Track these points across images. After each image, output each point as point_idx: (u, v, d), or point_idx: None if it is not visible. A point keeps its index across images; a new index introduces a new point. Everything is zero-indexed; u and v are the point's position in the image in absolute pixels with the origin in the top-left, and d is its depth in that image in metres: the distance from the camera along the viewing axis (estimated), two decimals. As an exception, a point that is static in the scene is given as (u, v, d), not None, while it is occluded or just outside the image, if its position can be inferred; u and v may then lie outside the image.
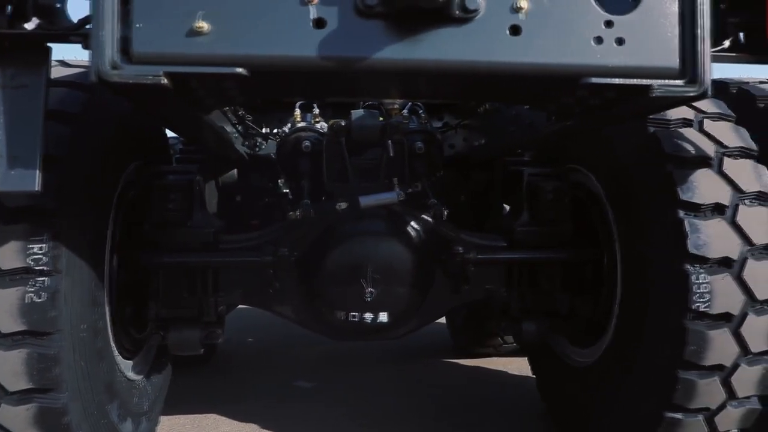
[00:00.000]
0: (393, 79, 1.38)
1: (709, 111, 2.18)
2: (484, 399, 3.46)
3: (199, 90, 1.32)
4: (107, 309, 2.01)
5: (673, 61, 1.35)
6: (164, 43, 1.17)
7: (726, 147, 2.09)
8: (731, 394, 2.03)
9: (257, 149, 3.04)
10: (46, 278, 1.61)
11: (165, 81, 1.16)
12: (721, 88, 2.44)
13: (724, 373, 2.00)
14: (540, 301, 2.61)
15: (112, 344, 2.04)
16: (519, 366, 3.87)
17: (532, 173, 2.61)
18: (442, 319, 4.71)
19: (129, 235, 2.23)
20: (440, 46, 1.26)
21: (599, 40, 1.32)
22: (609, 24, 1.33)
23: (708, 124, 2.14)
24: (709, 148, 2.07)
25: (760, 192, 2.05)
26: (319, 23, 1.22)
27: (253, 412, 3.13)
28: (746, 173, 2.06)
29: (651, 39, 1.34)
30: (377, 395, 3.47)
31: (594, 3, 1.33)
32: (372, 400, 3.37)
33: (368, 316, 2.31)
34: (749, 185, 2.04)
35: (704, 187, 2.02)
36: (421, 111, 2.81)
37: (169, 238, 2.27)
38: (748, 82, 2.41)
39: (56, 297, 1.63)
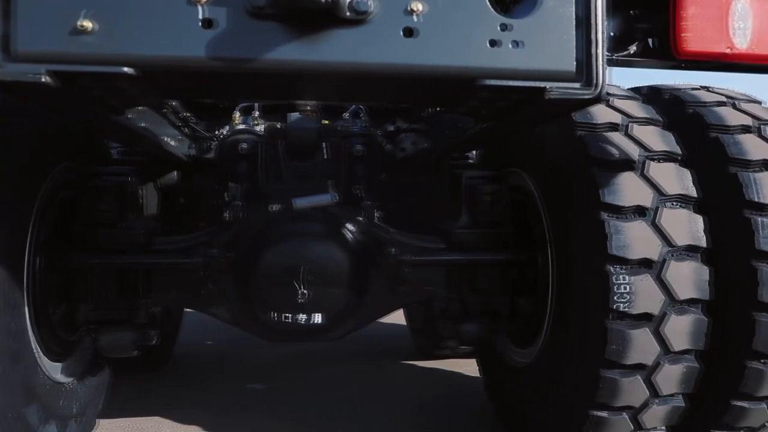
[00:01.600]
0: (287, 80, 1.38)
1: (637, 115, 2.22)
2: (442, 399, 3.46)
3: (95, 90, 1.31)
4: (27, 310, 1.98)
5: (569, 64, 1.37)
6: (47, 42, 1.16)
7: (651, 151, 2.12)
8: (654, 392, 2.06)
9: (210, 152, 3.04)
10: None
11: (47, 79, 1.15)
12: (655, 94, 2.49)
13: (646, 372, 2.03)
14: (480, 302, 2.63)
15: (35, 346, 2.01)
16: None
17: (470, 176, 2.64)
18: (403, 321, 4.73)
19: (58, 236, 2.20)
20: (332, 48, 1.26)
21: (495, 42, 1.34)
22: (505, 27, 1.35)
23: (635, 129, 2.18)
24: (635, 152, 2.11)
25: (682, 195, 2.08)
26: (209, 24, 1.22)
27: (199, 415, 3.10)
28: (670, 176, 2.10)
29: (547, 42, 1.37)
30: (335, 397, 3.46)
31: (490, 6, 1.35)
32: (329, 402, 3.36)
33: (302, 317, 2.31)
34: (672, 188, 2.08)
35: (627, 189, 2.06)
36: (362, 114, 2.83)
37: (99, 239, 2.25)
38: (680, 89, 2.46)
39: None
